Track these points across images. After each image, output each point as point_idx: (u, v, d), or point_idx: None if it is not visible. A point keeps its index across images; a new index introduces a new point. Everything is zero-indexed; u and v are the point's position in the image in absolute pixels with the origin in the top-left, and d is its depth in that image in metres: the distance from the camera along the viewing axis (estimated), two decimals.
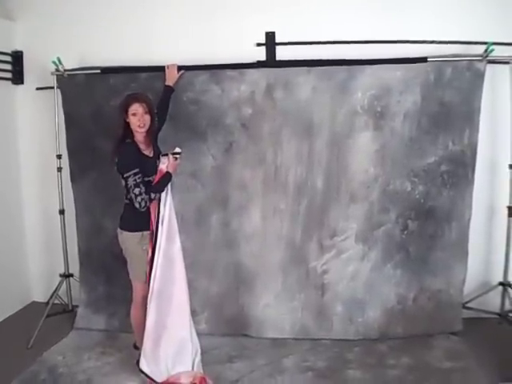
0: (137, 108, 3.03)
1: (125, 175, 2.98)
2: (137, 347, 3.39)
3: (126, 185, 3.01)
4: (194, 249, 3.68)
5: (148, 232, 3.14)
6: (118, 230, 3.21)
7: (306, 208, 3.68)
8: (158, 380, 3.10)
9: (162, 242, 3.12)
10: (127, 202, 3.13)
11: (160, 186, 3.10)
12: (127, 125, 3.07)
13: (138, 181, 2.97)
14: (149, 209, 3.09)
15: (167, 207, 3.16)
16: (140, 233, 3.14)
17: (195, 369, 3.18)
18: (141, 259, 3.16)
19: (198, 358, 3.24)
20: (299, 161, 3.65)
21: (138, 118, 3.03)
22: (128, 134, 3.09)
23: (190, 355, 3.19)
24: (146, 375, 3.11)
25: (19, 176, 4.35)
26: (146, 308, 3.18)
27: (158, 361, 3.14)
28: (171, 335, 3.18)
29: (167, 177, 3.12)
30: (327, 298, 3.71)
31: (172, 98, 3.53)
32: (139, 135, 3.10)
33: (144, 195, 2.98)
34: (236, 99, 3.63)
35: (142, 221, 3.14)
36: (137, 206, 2.99)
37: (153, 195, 3.03)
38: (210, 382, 3.13)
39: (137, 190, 2.97)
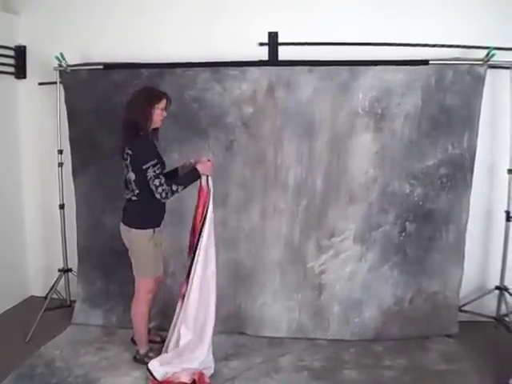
0: (165, 104, 3.11)
1: (144, 167, 2.97)
2: (135, 342, 3.42)
3: (145, 177, 2.99)
4: None
5: (159, 228, 3.17)
6: (125, 227, 3.18)
7: (305, 208, 3.70)
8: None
9: (203, 242, 3.13)
10: (136, 198, 3.10)
11: (184, 180, 3.11)
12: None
13: (157, 172, 2.98)
14: (159, 205, 3.13)
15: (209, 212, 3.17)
16: (151, 229, 3.13)
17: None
18: (150, 256, 3.17)
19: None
20: (299, 161, 3.66)
21: (164, 113, 3.12)
22: (140, 128, 3.05)
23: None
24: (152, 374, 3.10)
25: (20, 170, 4.36)
26: (149, 304, 3.24)
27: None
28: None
29: (194, 172, 3.13)
30: (324, 298, 3.73)
31: (174, 96, 3.55)
32: (154, 129, 3.15)
33: (165, 186, 2.98)
34: (237, 98, 3.64)
35: (154, 218, 3.16)
36: (158, 196, 3.00)
37: (174, 187, 3.02)
38: (207, 379, 3.13)
39: (157, 181, 2.97)
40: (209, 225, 3.15)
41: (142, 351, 3.35)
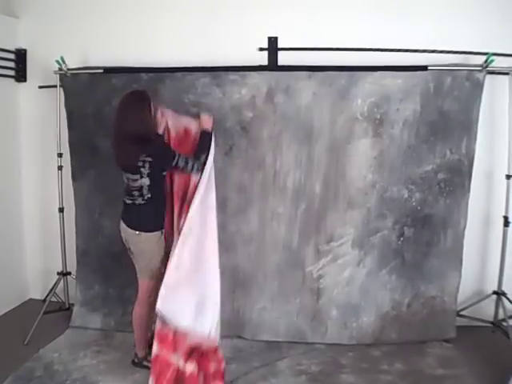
0: None
1: (173, 164, 3.04)
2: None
3: (162, 180, 3.11)
4: None
5: (163, 230, 3.20)
6: (132, 231, 3.15)
7: (303, 212, 3.71)
8: (181, 323, 3.02)
9: (201, 190, 3.14)
10: (144, 202, 3.10)
11: (203, 147, 3.18)
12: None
13: (182, 157, 3.05)
14: (163, 207, 3.20)
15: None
16: (159, 231, 3.17)
17: (212, 334, 3.13)
18: (158, 257, 3.19)
19: (216, 324, 3.17)
20: (298, 165, 3.67)
21: None
22: (151, 133, 3.09)
23: (211, 319, 3.15)
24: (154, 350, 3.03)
25: (19, 173, 4.37)
26: (152, 306, 3.16)
27: (180, 303, 3.05)
28: (198, 284, 3.15)
29: (205, 135, 3.21)
30: (322, 303, 3.74)
31: (174, 100, 3.56)
32: None
33: (195, 163, 3.10)
34: (237, 103, 3.65)
35: (160, 219, 3.19)
36: (195, 172, 3.12)
37: (201, 158, 3.14)
38: (221, 354, 3.11)
39: (189, 165, 3.07)
40: (209, 172, 3.18)
41: (141, 354, 3.36)
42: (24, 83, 4.25)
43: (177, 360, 3.01)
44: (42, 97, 4.17)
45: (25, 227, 4.44)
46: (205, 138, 3.20)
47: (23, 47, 4.19)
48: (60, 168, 3.98)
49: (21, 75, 4.21)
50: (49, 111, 4.08)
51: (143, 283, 3.27)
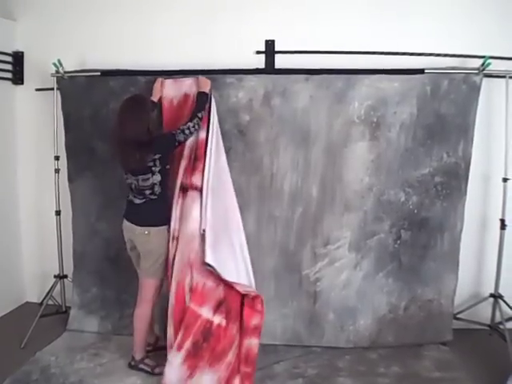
0: None
1: (176, 144, 3.16)
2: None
3: (166, 174, 3.18)
4: None
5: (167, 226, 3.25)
6: (142, 230, 3.18)
7: (300, 216, 3.70)
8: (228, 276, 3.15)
9: (212, 150, 3.31)
10: (155, 197, 3.17)
11: (200, 107, 3.30)
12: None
13: (179, 132, 3.15)
14: (168, 202, 3.27)
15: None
16: (166, 226, 3.24)
17: (253, 284, 3.27)
18: (164, 255, 3.24)
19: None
20: (295, 168, 3.67)
21: None
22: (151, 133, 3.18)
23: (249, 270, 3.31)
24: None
25: (16, 176, 4.36)
26: (153, 307, 3.29)
27: (223, 258, 3.20)
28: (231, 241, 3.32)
29: (202, 95, 3.35)
30: (319, 306, 3.73)
31: None
32: None
33: (192, 123, 3.20)
34: (234, 106, 3.65)
35: (168, 212, 3.26)
36: (193, 132, 3.23)
37: (200, 114, 3.25)
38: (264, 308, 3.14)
39: (187, 130, 3.17)
40: (216, 133, 3.37)
41: (138, 357, 3.36)
42: (21, 86, 4.25)
43: (206, 313, 3.11)
44: (38, 99, 4.17)
45: (21, 230, 4.43)
46: (202, 97, 3.34)
47: (20, 50, 4.19)
48: (57, 171, 3.97)
49: (18, 78, 4.21)
50: (46, 114, 4.08)
51: (148, 282, 3.28)
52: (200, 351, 3.07)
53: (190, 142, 3.33)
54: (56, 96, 3.91)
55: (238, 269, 3.26)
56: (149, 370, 3.32)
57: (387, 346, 3.67)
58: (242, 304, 3.12)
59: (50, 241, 4.12)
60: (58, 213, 4.02)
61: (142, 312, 3.30)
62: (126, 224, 3.25)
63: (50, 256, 4.19)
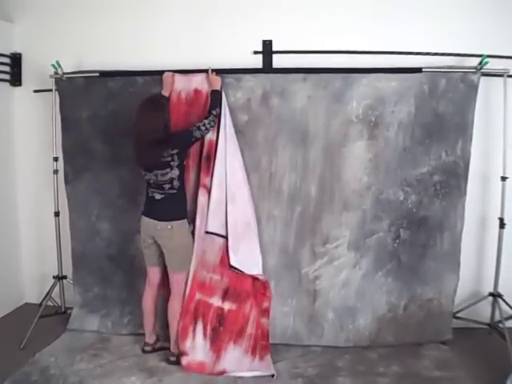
0: None
1: (193, 139, 3.29)
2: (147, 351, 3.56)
3: (183, 167, 3.31)
4: None
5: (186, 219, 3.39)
6: (165, 225, 3.27)
7: (299, 215, 3.70)
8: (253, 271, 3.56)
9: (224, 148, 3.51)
10: (175, 192, 3.28)
11: (214, 105, 3.42)
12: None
13: (194, 128, 3.28)
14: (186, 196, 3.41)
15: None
16: (187, 219, 3.37)
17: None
18: (190, 245, 3.41)
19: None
20: (293, 168, 3.67)
21: None
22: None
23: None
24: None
25: (15, 177, 4.36)
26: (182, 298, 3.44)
27: (246, 256, 3.55)
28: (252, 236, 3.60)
29: (216, 93, 3.48)
30: (319, 305, 3.73)
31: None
32: None
33: (208, 120, 3.33)
34: (232, 106, 3.64)
35: (185, 208, 3.40)
36: (210, 128, 3.36)
37: (214, 112, 3.39)
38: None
39: (202, 127, 3.30)
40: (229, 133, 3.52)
41: (180, 349, 3.38)
42: (19, 87, 4.25)
43: (216, 301, 3.48)
44: (37, 101, 4.17)
45: (20, 231, 4.43)
46: (215, 95, 3.47)
47: (18, 51, 4.19)
48: (55, 172, 3.97)
49: (16, 79, 4.21)
50: (44, 115, 4.08)
51: (177, 278, 3.38)
52: (219, 335, 3.43)
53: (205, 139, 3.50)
54: (54, 97, 3.91)
55: (257, 261, 3.60)
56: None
57: (387, 345, 3.66)
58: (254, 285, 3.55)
59: (49, 242, 4.11)
60: (56, 214, 4.02)
61: (175, 306, 3.39)
62: (147, 220, 3.33)
63: (49, 257, 4.19)
